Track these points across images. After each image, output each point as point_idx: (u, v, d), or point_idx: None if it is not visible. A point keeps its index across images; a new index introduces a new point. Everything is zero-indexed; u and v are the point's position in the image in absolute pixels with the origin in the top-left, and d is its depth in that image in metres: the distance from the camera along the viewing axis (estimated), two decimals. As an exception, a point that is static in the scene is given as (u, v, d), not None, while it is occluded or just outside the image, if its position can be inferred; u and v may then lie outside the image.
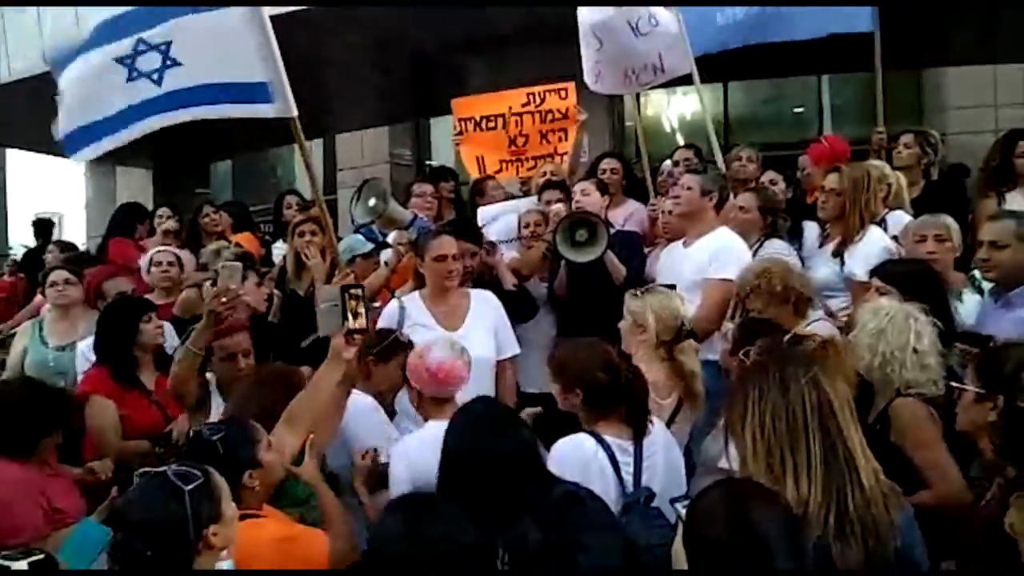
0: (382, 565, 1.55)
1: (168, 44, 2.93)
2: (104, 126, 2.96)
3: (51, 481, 2.64)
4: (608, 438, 2.28)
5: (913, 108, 9.49)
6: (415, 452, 2.46)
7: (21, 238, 12.40)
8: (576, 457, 2.23)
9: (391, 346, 2.92)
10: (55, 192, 16.58)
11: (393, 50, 7.86)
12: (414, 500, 1.72)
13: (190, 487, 1.61)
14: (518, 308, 3.66)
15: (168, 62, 2.94)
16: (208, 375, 2.98)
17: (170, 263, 4.23)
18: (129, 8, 3.03)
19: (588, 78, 4.81)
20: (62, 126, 2.97)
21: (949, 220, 3.28)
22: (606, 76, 4.71)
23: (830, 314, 3.23)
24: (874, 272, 2.95)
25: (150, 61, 2.94)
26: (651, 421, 2.38)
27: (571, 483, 2.05)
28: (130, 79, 2.94)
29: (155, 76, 2.95)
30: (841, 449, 1.57)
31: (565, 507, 1.88)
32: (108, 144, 2.98)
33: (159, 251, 4.33)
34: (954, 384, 2.13)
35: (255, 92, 3.00)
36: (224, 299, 2.74)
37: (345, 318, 2.34)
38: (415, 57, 8.14)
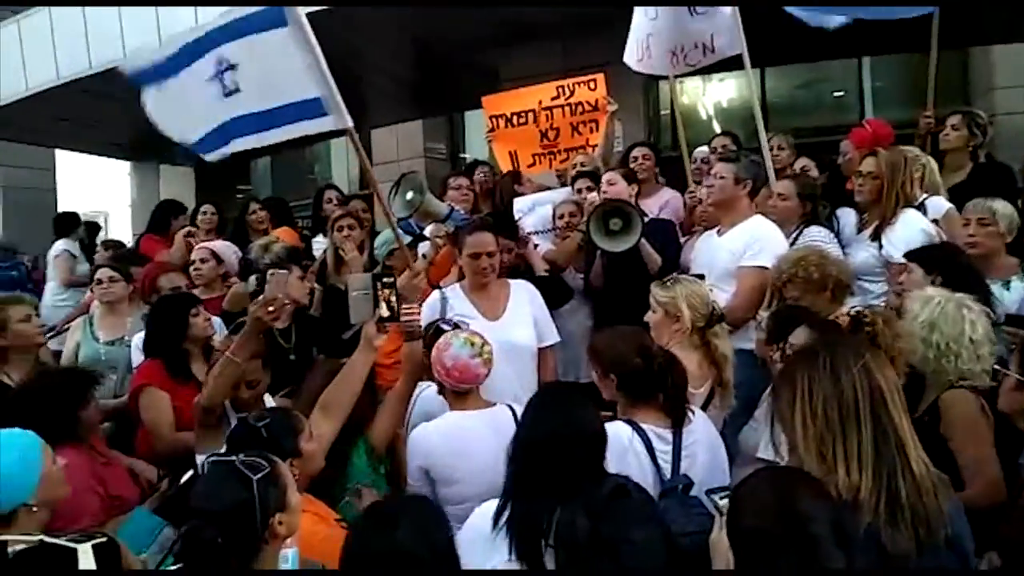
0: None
1: (233, 67, 3.16)
2: (225, 132, 3.26)
3: (106, 469, 2.75)
4: (645, 426, 2.28)
5: (959, 89, 9.22)
6: (432, 441, 2.52)
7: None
8: (612, 444, 2.23)
9: (435, 337, 2.94)
10: (102, 192, 17.07)
11: (426, 44, 7.91)
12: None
13: (258, 476, 1.64)
14: (552, 294, 3.69)
15: (237, 82, 3.17)
16: None
17: (203, 260, 4.34)
18: (204, 29, 3.23)
19: (632, 57, 4.73)
20: (183, 136, 3.34)
21: (998, 204, 3.19)
22: (654, 53, 4.63)
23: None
24: (911, 255, 2.91)
25: (233, 79, 3.17)
26: (691, 410, 2.37)
27: (621, 476, 2.06)
28: (226, 95, 3.19)
29: (241, 94, 3.19)
30: (892, 437, 1.55)
31: (614, 499, 1.88)
32: (238, 145, 3.27)
33: (197, 248, 4.46)
34: (998, 368, 2.09)
35: (310, 108, 3.09)
36: (271, 308, 2.62)
37: (376, 306, 2.37)
38: (448, 51, 8.16)
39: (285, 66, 3.06)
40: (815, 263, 2.90)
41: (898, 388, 1.61)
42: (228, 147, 3.27)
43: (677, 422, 2.31)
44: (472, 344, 2.58)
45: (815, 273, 2.88)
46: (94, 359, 3.83)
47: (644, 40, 4.64)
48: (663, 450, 2.27)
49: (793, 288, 2.93)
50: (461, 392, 2.62)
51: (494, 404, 2.65)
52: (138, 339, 3.62)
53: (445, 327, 2.86)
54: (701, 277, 3.02)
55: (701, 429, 2.38)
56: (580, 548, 1.65)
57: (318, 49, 3.06)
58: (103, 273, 4.05)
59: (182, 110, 3.29)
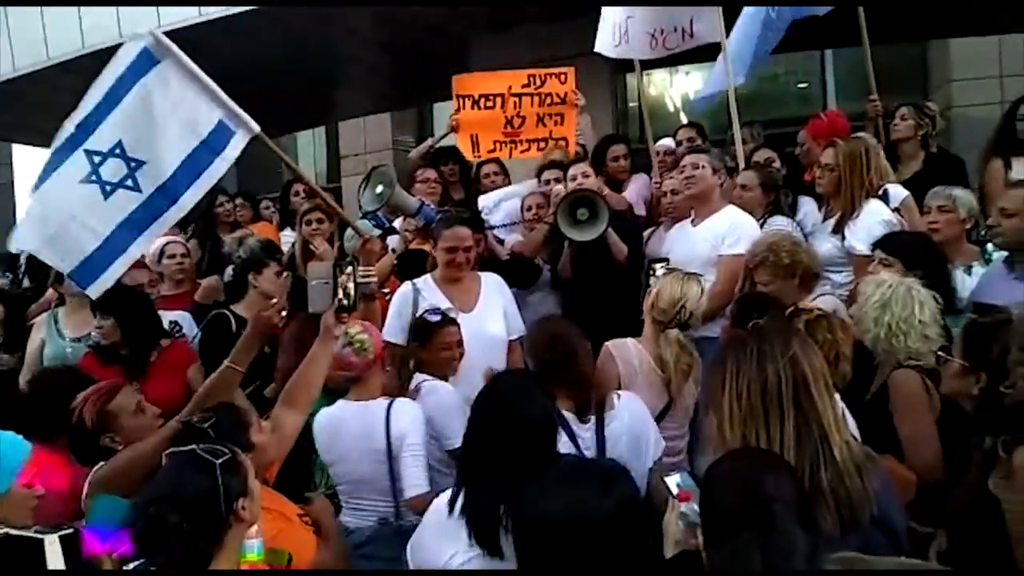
0: None
1: (119, 144, 2.81)
2: (107, 252, 2.81)
3: (79, 470, 2.70)
4: (564, 411, 2.41)
5: (917, 81, 9.43)
6: (319, 423, 2.71)
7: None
8: None
9: (423, 329, 2.99)
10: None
11: (394, 34, 7.86)
12: None
13: (220, 460, 1.66)
14: (518, 275, 3.75)
15: (133, 164, 2.81)
16: None
17: (183, 255, 4.32)
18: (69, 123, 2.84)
19: (607, 43, 4.73)
20: (63, 265, 2.87)
21: (958, 192, 3.29)
22: (632, 36, 4.64)
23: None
24: (876, 245, 2.99)
25: (114, 169, 2.81)
26: (617, 395, 2.52)
27: (572, 455, 2.11)
28: (106, 195, 2.79)
29: (128, 182, 2.81)
30: (815, 424, 1.60)
31: (568, 477, 1.92)
32: (120, 268, 2.85)
33: (170, 242, 4.38)
34: (941, 355, 2.18)
35: (221, 137, 2.96)
36: (284, 314, 2.56)
37: (335, 295, 2.37)
38: (417, 41, 8.12)
39: (178, 108, 2.87)
40: (787, 249, 2.98)
41: (825, 376, 1.66)
42: (115, 267, 2.83)
43: (581, 409, 2.44)
44: (347, 334, 2.69)
45: (786, 259, 2.95)
46: (59, 356, 3.77)
47: (622, 23, 4.63)
48: (585, 436, 2.41)
49: (763, 272, 3.00)
50: (356, 380, 2.75)
51: (389, 397, 2.73)
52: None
53: (433, 318, 2.95)
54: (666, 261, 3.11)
55: (626, 413, 2.49)
56: (537, 529, 1.69)
57: (197, 69, 2.97)
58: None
59: (65, 223, 2.78)
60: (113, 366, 3.30)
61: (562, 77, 4.83)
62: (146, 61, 2.85)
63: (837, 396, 2.29)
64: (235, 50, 7.83)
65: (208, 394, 2.37)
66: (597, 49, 4.80)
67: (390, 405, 2.67)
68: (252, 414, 2.21)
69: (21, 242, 2.91)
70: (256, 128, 3.07)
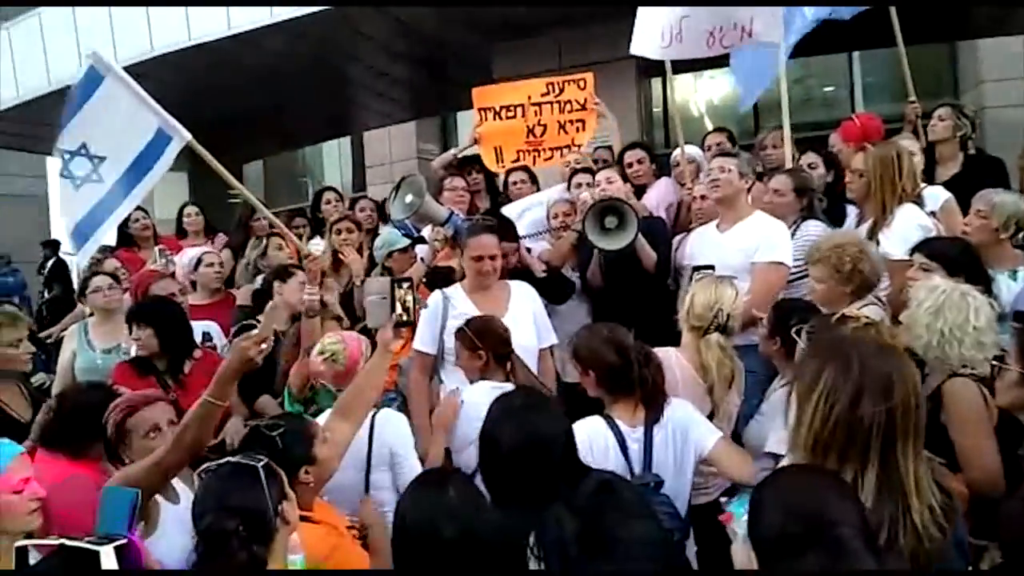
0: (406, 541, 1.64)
1: (84, 145, 3.41)
2: (87, 225, 3.48)
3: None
4: (619, 422, 2.36)
5: (947, 83, 9.29)
6: None
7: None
8: (586, 440, 2.27)
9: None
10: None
11: (417, 44, 7.91)
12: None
13: (261, 464, 1.70)
14: (552, 291, 3.71)
15: (95, 160, 3.41)
16: None
17: (221, 263, 4.40)
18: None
19: (652, 44, 4.66)
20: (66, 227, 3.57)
21: (1002, 198, 3.19)
22: (686, 36, 4.58)
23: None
24: (916, 249, 2.92)
25: (81, 166, 3.44)
26: (667, 404, 2.44)
27: (607, 472, 2.08)
28: (76, 187, 3.45)
29: (94, 176, 3.43)
30: (897, 486, 1.49)
31: (599, 496, 1.89)
32: (100, 236, 3.56)
33: (207, 252, 4.45)
34: (995, 363, 2.10)
35: (159, 144, 3.41)
36: (264, 347, 2.25)
37: (393, 309, 2.37)
38: (440, 51, 8.17)
39: (124, 115, 3.39)
40: (851, 254, 2.87)
41: (919, 433, 1.53)
42: (97, 235, 3.50)
43: (653, 416, 2.38)
44: (322, 342, 2.76)
45: (848, 264, 2.85)
46: (90, 367, 3.81)
47: (676, 23, 4.56)
48: (634, 447, 2.34)
49: (820, 270, 2.91)
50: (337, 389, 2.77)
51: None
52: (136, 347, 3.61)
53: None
54: (711, 268, 3.05)
55: (675, 424, 2.42)
56: (569, 549, 1.65)
57: (134, 83, 3.43)
58: (100, 281, 4.04)
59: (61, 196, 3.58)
60: (149, 377, 3.32)
61: (581, 83, 4.83)
62: (95, 77, 3.39)
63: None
64: (260, 63, 7.95)
65: (187, 427, 2.14)
66: (635, 51, 4.75)
67: (375, 414, 2.65)
68: (317, 426, 2.21)
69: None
70: (187, 135, 3.45)
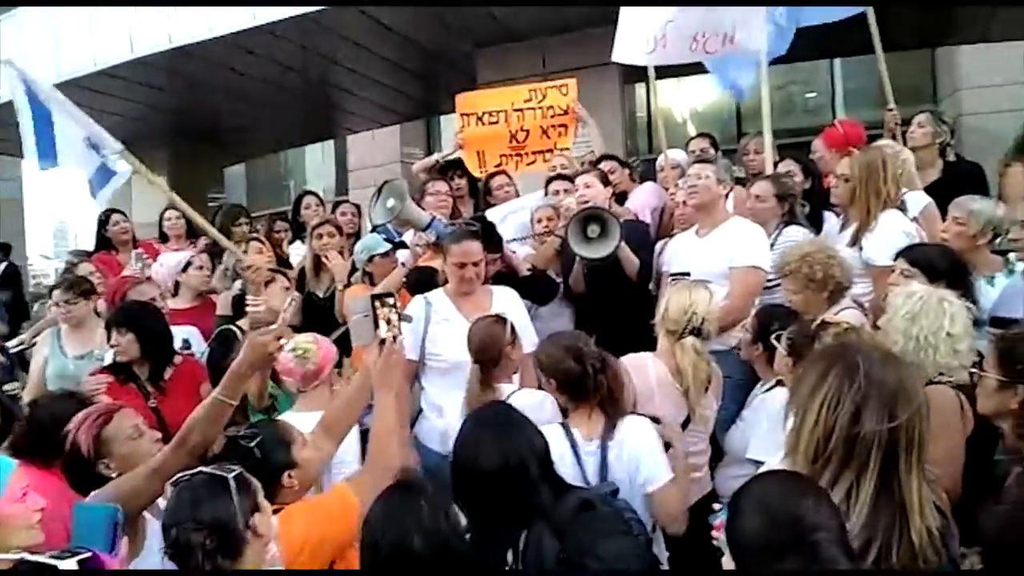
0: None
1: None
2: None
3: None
4: (576, 431, 2.35)
5: (926, 90, 9.40)
6: None
7: (40, 248, 12.64)
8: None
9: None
10: (71, 202, 16.79)
11: (402, 48, 7.89)
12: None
13: (232, 475, 1.67)
14: (537, 291, 3.70)
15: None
16: None
17: (208, 267, 4.34)
18: None
19: (638, 50, 4.66)
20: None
21: (979, 205, 3.22)
22: (671, 41, 4.58)
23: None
24: (898, 255, 2.93)
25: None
26: (623, 422, 2.40)
27: (584, 488, 2.06)
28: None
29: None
30: (896, 502, 1.47)
31: (579, 514, 1.87)
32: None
33: (196, 255, 4.42)
34: (974, 371, 2.11)
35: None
36: (282, 343, 2.32)
37: (376, 326, 2.33)
38: (424, 54, 8.15)
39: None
40: (821, 261, 2.91)
41: (922, 451, 1.51)
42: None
43: (610, 426, 2.36)
44: (295, 340, 2.72)
45: (819, 272, 2.88)
46: (63, 374, 3.74)
47: (661, 29, 4.57)
48: (589, 460, 2.33)
49: (792, 282, 2.94)
50: (304, 393, 2.77)
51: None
52: (111, 353, 3.54)
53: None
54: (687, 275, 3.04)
55: (634, 432, 2.39)
56: (550, 569, 1.64)
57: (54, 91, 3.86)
58: (58, 296, 3.94)
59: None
60: (128, 384, 3.26)
61: (563, 89, 4.86)
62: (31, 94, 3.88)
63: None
64: (243, 66, 7.90)
65: (194, 427, 2.09)
66: (617, 58, 4.76)
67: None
68: (295, 431, 2.17)
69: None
70: (118, 145, 3.79)
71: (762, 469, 1.84)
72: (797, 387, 1.60)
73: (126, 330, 3.29)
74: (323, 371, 2.75)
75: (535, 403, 2.61)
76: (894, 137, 4.52)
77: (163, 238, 5.36)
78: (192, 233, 5.40)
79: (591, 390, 2.40)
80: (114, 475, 2.16)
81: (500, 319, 2.90)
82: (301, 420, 2.55)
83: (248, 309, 3.09)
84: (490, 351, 2.79)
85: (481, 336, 2.83)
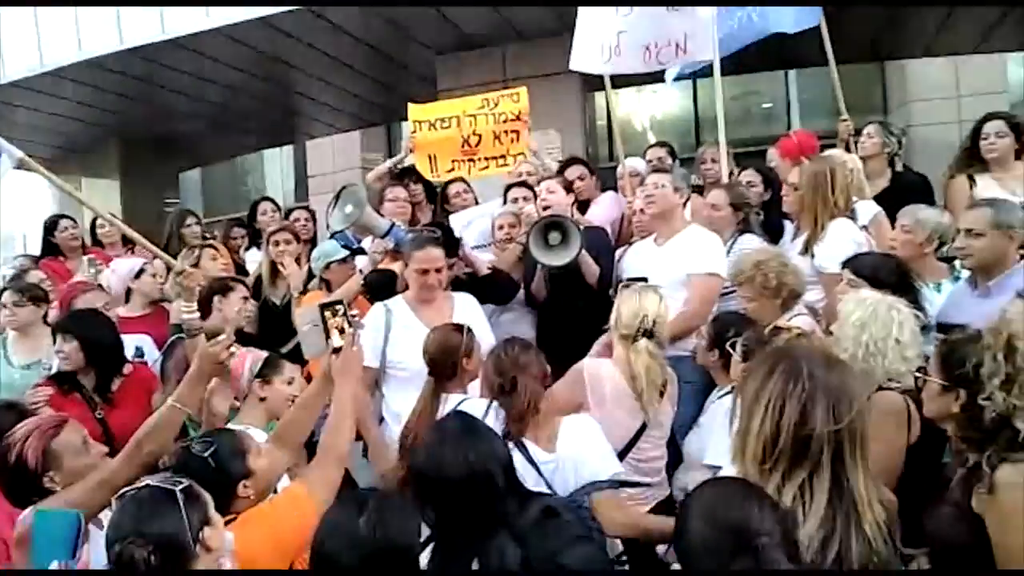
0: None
1: None
2: None
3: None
4: (526, 440, 2.37)
5: (877, 101, 9.69)
6: None
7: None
8: None
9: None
10: (18, 207, 16.24)
11: (362, 54, 7.83)
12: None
13: (180, 488, 1.62)
14: (497, 293, 3.70)
15: None
16: None
17: (162, 274, 4.21)
18: None
19: (594, 59, 4.70)
20: None
21: (926, 213, 3.31)
22: (624, 50, 4.60)
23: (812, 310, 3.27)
24: (844, 264, 3.00)
25: None
26: (562, 421, 2.43)
27: (547, 494, 2.06)
28: None
29: None
30: (847, 497, 1.49)
31: (543, 522, 1.86)
32: None
33: (148, 262, 4.26)
34: (918, 375, 2.16)
35: None
36: (233, 351, 2.42)
37: (328, 336, 2.29)
38: (384, 60, 8.10)
39: None
40: (774, 269, 2.96)
41: (866, 445, 1.54)
42: None
43: (514, 436, 2.36)
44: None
45: (773, 280, 2.93)
46: (8, 384, 3.59)
47: (613, 38, 4.61)
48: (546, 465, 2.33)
49: (747, 290, 2.99)
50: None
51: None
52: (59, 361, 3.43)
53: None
54: (644, 279, 3.07)
55: (570, 438, 2.40)
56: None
57: None
58: (7, 298, 3.80)
59: None
60: (73, 394, 3.15)
61: (515, 97, 4.89)
62: None
63: None
64: (198, 69, 7.75)
65: (148, 435, 2.12)
66: (575, 67, 4.79)
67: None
68: (250, 439, 2.13)
69: None
70: (18, 153, 3.39)
71: (721, 473, 1.86)
72: (742, 391, 1.61)
73: (71, 337, 3.18)
74: (233, 380, 2.68)
75: (479, 413, 2.60)
76: (847, 146, 4.63)
77: (97, 245, 5.20)
78: (127, 240, 5.27)
79: (508, 404, 2.41)
80: (58, 488, 2.10)
81: (458, 327, 2.88)
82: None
83: (183, 316, 3.00)
84: (445, 361, 2.77)
85: (437, 345, 2.81)
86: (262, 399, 2.68)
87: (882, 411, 2.30)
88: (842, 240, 3.40)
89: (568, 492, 2.29)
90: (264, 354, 2.79)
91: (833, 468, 1.48)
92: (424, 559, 1.81)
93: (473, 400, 2.72)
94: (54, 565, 1.82)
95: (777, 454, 1.49)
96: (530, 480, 2.24)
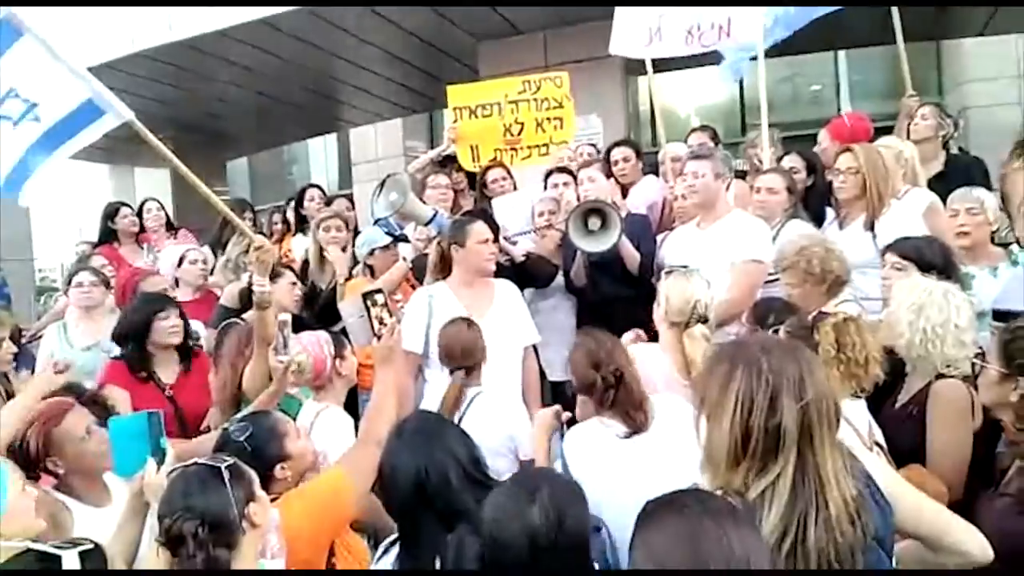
0: None
1: (14, 89, 3.17)
2: (26, 165, 3.21)
3: None
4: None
5: (932, 82, 9.35)
6: None
7: (46, 245, 12.64)
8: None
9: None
10: (78, 197, 16.80)
11: (404, 42, 7.88)
12: None
13: (225, 466, 1.69)
14: (535, 276, 3.75)
15: (27, 103, 3.18)
16: None
17: (204, 261, 4.35)
18: None
19: (635, 43, 4.67)
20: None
21: (984, 194, 3.23)
22: (666, 34, 4.57)
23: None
24: (888, 248, 2.93)
25: (15, 106, 3.18)
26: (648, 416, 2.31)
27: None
28: (14, 125, 3.19)
29: (30, 115, 3.19)
30: (813, 477, 1.44)
31: None
32: (43, 175, 3.23)
33: (190, 249, 4.42)
34: (976, 361, 2.10)
35: (86, 114, 3.16)
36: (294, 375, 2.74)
37: (372, 326, 2.36)
38: (426, 48, 8.14)
39: (47, 76, 3.15)
40: (819, 256, 2.90)
41: (833, 420, 1.49)
42: (32, 179, 3.23)
43: (632, 431, 2.27)
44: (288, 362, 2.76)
45: (817, 266, 2.87)
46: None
47: (655, 22, 4.58)
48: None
49: (791, 276, 2.93)
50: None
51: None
52: (105, 343, 3.55)
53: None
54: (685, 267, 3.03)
55: (664, 432, 2.30)
56: (472, 570, 1.64)
57: (61, 49, 3.18)
58: (83, 276, 3.98)
59: None
60: (142, 375, 3.28)
61: (557, 81, 4.82)
62: (10, 32, 3.14)
63: (862, 406, 2.23)
64: (246, 60, 7.89)
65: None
66: (615, 51, 4.74)
67: (320, 412, 2.70)
68: (287, 423, 2.21)
69: None
70: (130, 113, 3.18)
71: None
72: (703, 394, 1.54)
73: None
74: (322, 373, 2.81)
75: (497, 406, 2.73)
76: (911, 123, 4.48)
77: (142, 230, 5.36)
78: (171, 226, 5.42)
79: (613, 399, 2.29)
80: (61, 471, 2.21)
81: (470, 323, 2.96)
82: (312, 408, 2.78)
83: (255, 290, 3.11)
84: (471, 358, 2.87)
85: (462, 345, 2.89)
86: (340, 375, 2.84)
87: (947, 399, 2.25)
88: (907, 218, 3.31)
89: None
90: (324, 334, 2.91)
91: (800, 450, 1.44)
92: (390, 561, 1.85)
93: (487, 394, 2.83)
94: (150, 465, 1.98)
95: (750, 452, 1.44)
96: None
